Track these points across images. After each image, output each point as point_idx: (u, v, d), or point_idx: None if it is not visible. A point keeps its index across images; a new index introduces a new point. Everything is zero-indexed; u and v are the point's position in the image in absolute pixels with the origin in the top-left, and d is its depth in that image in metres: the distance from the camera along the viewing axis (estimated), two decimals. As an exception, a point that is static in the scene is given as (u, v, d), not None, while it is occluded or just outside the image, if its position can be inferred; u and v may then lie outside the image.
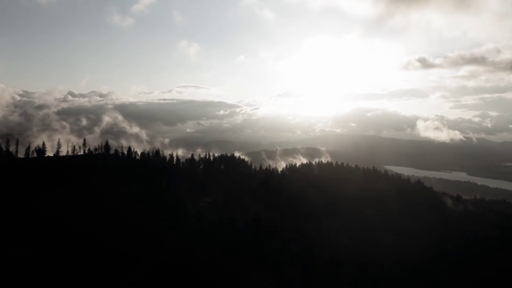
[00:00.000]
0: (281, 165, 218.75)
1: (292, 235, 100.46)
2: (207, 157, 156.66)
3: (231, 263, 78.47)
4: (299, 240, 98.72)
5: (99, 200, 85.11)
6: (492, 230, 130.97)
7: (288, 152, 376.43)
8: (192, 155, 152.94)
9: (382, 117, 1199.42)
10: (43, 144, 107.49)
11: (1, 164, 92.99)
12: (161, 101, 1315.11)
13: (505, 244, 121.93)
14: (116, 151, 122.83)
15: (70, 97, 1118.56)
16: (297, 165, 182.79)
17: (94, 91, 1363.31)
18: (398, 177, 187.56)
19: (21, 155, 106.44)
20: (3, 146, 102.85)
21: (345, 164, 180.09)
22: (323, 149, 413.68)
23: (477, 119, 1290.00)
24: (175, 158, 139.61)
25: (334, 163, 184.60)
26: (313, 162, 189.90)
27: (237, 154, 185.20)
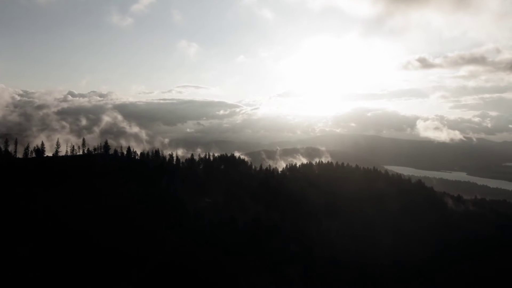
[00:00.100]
0: (281, 165, 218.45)
1: (292, 235, 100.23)
2: (207, 157, 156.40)
3: (231, 263, 78.18)
4: (299, 240, 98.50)
5: (98, 200, 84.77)
6: (493, 231, 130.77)
7: (288, 152, 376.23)
8: (192, 155, 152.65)
9: (382, 117, 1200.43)
10: (42, 144, 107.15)
11: None
12: (161, 101, 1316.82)
13: (505, 244, 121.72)
14: (115, 151, 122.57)
15: (70, 97, 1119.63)
16: (297, 165, 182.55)
17: (94, 91, 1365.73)
18: (398, 177, 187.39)
19: (20, 155, 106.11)
20: (1, 146, 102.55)
21: (345, 164, 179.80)
22: (323, 149, 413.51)
23: (477, 119, 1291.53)
24: (175, 158, 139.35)
25: (334, 163, 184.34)
26: (313, 162, 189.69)
27: (237, 154, 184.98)
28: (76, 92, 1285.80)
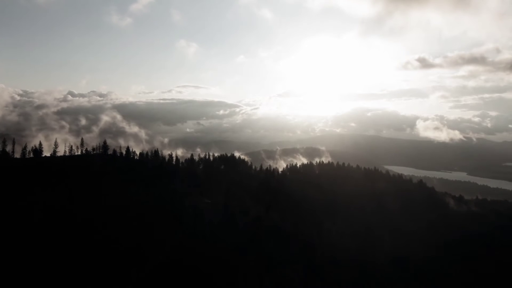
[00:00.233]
0: (281, 165, 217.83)
1: (292, 236, 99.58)
2: (207, 157, 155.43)
3: (231, 264, 77.53)
4: (300, 240, 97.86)
5: (97, 200, 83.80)
6: (494, 231, 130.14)
7: (288, 152, 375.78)
8: (192, 155, 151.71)
9: (382, 117, 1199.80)
10: (40, 144, 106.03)
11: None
12: (161, 101, 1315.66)
13: (507, 244, 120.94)
14: (114, 151, 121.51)
15: (70, 97, 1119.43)
16: (298, 165, 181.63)
17: (93, 91, 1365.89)
18: (399, 177, 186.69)
19: (18, 155, 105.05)
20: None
21: (346, 164, 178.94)
22: (323, 148, 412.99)
23: (477, 119, 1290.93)
24: (174, 158, 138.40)
25: (334, 163, 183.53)
26: (313, 162, 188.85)
27: (237, 154, 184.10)
28: (76, 92, 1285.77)
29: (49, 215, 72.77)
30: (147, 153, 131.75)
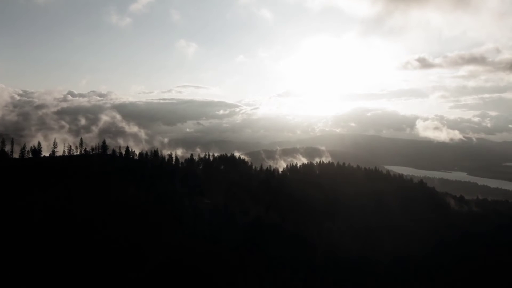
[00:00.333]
0: (281, 165, 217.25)
1: (293, 236, 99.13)
2: (207, 157, 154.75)
3: (232, 264, 77.08)
4: (300, 240, 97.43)
5: (96, 201, 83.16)
6: (496, 231, 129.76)
7: (288, 151, 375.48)
8: (192, 155, 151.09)
9: (381, 117, 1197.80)
10: (39, 144, 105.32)
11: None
12: (161, 101, 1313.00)
13: (508, 245, 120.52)
14: (113, 151, 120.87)
15: (70, 97, 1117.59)
16: (298, 165, 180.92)
17: (93, 91, 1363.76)
18: (400, 177, 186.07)
19: (16, 155, 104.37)
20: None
21: (346, 164, 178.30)
22: (322, 148, 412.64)
23: (476, 119, 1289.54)
24: (174, 158, 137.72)
25: (334, 163, 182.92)
26: (314, 162, 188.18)
27: (236, 154, 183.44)
28: (76, 92, 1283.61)
29: (48, 215, 72.25)
30: (146, 153, 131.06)
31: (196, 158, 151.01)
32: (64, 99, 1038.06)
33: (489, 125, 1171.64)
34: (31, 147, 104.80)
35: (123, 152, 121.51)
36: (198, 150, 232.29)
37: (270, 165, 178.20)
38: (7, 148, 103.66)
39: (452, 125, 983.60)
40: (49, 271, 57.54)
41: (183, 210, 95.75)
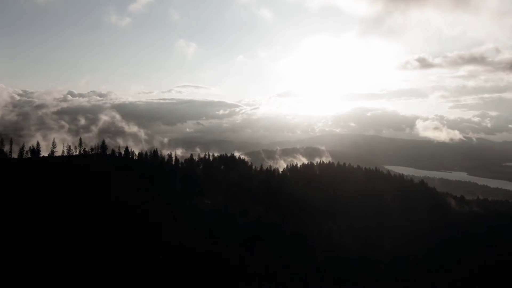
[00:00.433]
0: (281, 165, 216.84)
1: (293, 236, 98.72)
2: (207, 157, 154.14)
3: (232, 264, 76.66)
4: (300, 241, 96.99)
5: (95, 201, 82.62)
6: (497, 232, 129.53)
7: (288, 151, 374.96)
8: (191, 155, 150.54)
9: (381, 117, 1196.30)
10: (37, 144, 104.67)
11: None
12: (161, 101, 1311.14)
13: (509, 245, 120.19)
14: (113, 151, 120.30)
15: (69, 97, 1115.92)
16: (298, 165, 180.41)
17: (93, 91, 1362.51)
18: (400, 177, 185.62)
19: (15, 155, 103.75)
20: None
21: (346, 164, 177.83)
22: (322, 148, 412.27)
23: (476, 119, 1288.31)
24: (173, 159, 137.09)
25: (333, 162, 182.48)
26: (314, 162, 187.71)
27: (236, 154, 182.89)
28: (75, 92, 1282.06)
29: (47, 216, 71.84)
30: (146, 153, 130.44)
31: (196, 158, 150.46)
32: (64, 99, 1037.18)
33: (489, 125, 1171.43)
34: (30, 147, 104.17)
35: (123, 152, 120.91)
36: (198, 150, 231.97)
37: (270, 165, 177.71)
38: (6, 148, 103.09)
39: (452, 125, 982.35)
40: (48, 271, 57.30)
41: (183, 210, 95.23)
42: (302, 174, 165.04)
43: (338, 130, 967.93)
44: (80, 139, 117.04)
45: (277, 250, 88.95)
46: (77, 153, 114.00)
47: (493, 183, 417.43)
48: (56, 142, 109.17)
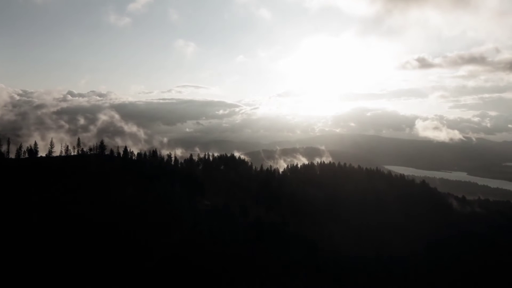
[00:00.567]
0: (281, 165, 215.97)
1: (294, 237, 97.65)
2: (207, 157, 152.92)
3: (232, 266, 75.49)
4: (301, 241, 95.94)
5: (92, 203, 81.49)
6: (498, 232, 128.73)
7: (288, 151, 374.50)
8: (191, 155, 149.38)
9: (381, 117, 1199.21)
10: (35, 144, 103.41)
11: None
12: (161, 101, 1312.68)
13: (509, 245, 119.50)
14: (111, 151, 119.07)
15: (69, 97, 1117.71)
16: (299, 166, 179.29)
17: (93, 91, 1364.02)
18: (402, 177, 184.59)
19: (13, 155, 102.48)
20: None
21: (347, 165, 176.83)
22: (322, 148, 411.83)
23: (476, 119, 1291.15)
24: (173, 159, 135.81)
25: (334, 162, 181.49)
26: (314, 162, 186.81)
27: (236, 154, 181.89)
28: (75, 92, 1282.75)
29: (46, 216, 70.87)
30: (145, 153, 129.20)
31: (195, 158, 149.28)
32: (64, 99, 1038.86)
33: (489, 125, 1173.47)
34: (28, 147, 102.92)
35: (121, 152, 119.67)
36: (197, 150, 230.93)
37: (270, 165, 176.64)
38: (4, 148, 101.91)
39: (452, 125, 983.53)
40: (47, 271, 56.55)
41: (183, 210, 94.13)
42: (302, 174, 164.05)
43: (338, 130, 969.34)
44: (78, 139, 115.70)
45: (277, 250, 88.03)
46: (75, 153, 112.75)
47: (493, 183, 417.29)
48: (54, 142, 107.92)
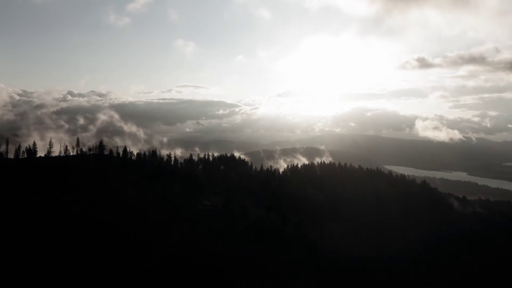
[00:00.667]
0: (281, 165, 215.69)
1: (294, 237, 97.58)
2: (206, 157, 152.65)
3: (232, 269, 75.32)
4: (301, 242, 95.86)
5: (91, 203, 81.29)
6: (499, 232, 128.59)
7: (288, 151, 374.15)
8: (191, 155, 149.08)
9: (381, 117, 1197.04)
10: (34, 144, 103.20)
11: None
12: (161, 101, 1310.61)
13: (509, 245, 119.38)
14: (111, 151, 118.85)
15: (69, 97, 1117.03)
16: (299, 166, 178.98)
17: (93, 91, 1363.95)
18: (402, 177, 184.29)
19: (11, 155, 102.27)
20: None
21: (348, 165, 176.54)
22: (322, 148, 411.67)
23: (476, 119, 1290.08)
24: (173, 159, 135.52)
25: (334, 162, 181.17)
26: (314, 162, 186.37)
27: (236, 154, 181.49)
28: (75, 92, 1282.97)
29: (46, 216, 70.62)
30: (144, 153, 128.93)
31: (195, 158, 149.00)
32: (64, 99, 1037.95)
33: (488, 125, 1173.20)
34: (26, 147, 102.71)
35: (121, 152, 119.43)
36: (197, 150, 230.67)
37: (270, 165, 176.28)
38: (2, 148, 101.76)
39: (452, 125, 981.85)
40: (46, 271, 56.71)
41: (183, 210, 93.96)
42: (302, 174, 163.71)
43: (338, 130, 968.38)
44: (78, 138, 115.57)
45: (277, 250, 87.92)
46: (74, 153, 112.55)
47: (493, 183, 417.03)
48: (53, 142, 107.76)
